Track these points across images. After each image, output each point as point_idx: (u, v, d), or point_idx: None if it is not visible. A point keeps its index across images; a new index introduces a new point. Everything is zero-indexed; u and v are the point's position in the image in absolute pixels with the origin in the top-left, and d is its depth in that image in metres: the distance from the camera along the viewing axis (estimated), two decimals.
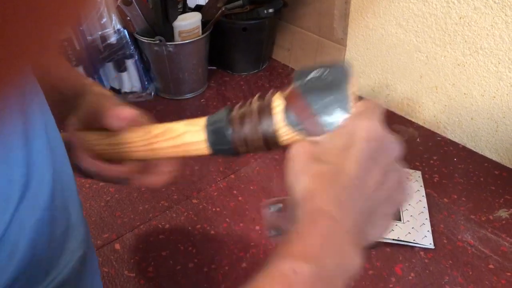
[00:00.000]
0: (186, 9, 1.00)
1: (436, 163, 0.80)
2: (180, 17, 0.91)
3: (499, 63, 0.73)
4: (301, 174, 0.33)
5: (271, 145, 0.35)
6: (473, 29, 0.74)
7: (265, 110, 0.34)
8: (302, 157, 0.33)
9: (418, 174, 0.77)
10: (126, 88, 0.99)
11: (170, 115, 0.95)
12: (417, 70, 0.84)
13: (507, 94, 0.74)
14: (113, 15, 0.90)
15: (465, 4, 0.73)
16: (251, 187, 0.76)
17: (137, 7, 0.89)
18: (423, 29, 0.80)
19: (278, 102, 0.34)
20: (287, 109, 0.33)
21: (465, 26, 0.74)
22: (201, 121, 0.37)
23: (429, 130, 0.87)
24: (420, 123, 0.89)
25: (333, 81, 0.33)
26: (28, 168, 0.30)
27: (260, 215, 0.71)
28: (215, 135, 0.36)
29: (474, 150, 0.82)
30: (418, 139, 0.85)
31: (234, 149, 0.36)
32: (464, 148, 0.83)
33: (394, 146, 0.33)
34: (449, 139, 0.85)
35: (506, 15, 0.69)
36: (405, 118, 0.91)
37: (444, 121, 0.85)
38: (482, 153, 0.81)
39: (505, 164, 0.79)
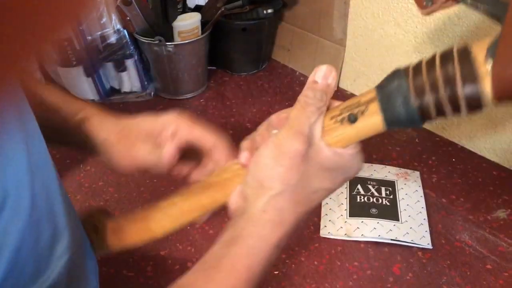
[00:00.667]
0: (185, 9, 1.00)
1: (435, 164, 0.80)
2: (180, 17, 0.91)
3: None
4: (283, 184, 0.35)
5: (474, 107, 0.31)
6: (472, 30, 0.74)
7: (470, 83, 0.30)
8: (295, 165, 0.35)
9: (416, 174, 0.77)
10: (126, 88, 0.99)
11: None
12: None
13: None
14: (112, 15, 0.90)
15: (463, 5, 0.73)
16: None
17: (137, 7, 0.89)
18: (422, 30, 0.80)
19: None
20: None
21: (463, 27, 0.75)
22: (370, 104, 0.35)
23: (428, 130, 0.88)
24: None
25: None
26: (4, 178, 0.30)
27: None
28: (396, 113, 0.33)
29: (473, 150, 0.82)
30: (416, 139, 0.86)
31: (422, 119, 0.33)
32: (462, 149, 0.83)
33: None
34: (448, 140, 0.85)
35: None
36: None
37: (443, 121, 0.85)
38: (480, 154, 0.82)
39: (503, 165, 0.79)
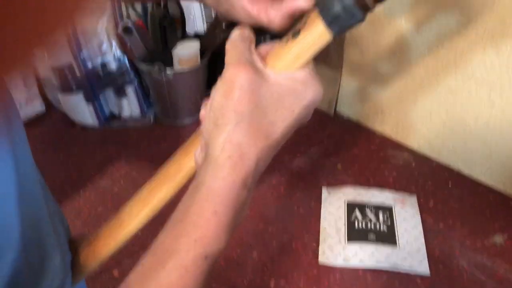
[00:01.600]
0: (185, 35, 1.02)
1: (431, 188, 0.81)
2: (179, 44, 0.93)
3: (490, 91, 0.75)
4: (237, 117, 0.34)
5: None
6: (464, 57, 0.76)
7: None
8: (245, 95, 0.34)
9: (413, 199, 0.78)
10: (126, 113, 1.00)
11: (168, 140, 0.96)
12: (411, 96, 0.86)
13: (499, 121, 0.75)
14: (113, 42, 0.92)
15: (457, 34, 0.75)
16: (248, 212, 0.77)
17: (137, 35, 0.91)
18: (417, 56, 0.82)
19: None
20: None
21: (456, 54, 0.76)
22: (310, 15, 0.35)
23: (424, 155, 0.89)
24: (415, 148, 0.90)
25: None
26: None
27: (258, 240, 0.72)
28: (333, 12, 0.34)
29: (469, 175, 0.83)
30: (413, 164, 0.87)
31: (362, 12, 0.34)
32: (458, 173, 0.84)
33: (310, 114, 0.38)
34: (444, 164, 0.86)
35: (496, 44, 0.71)
36: (400, 142, 0.92)
37: (438, 146, 0.86)
38: (476, 178, 0.82)
39: (499, 189, 0.80)
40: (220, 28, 0.96)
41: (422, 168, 0.85)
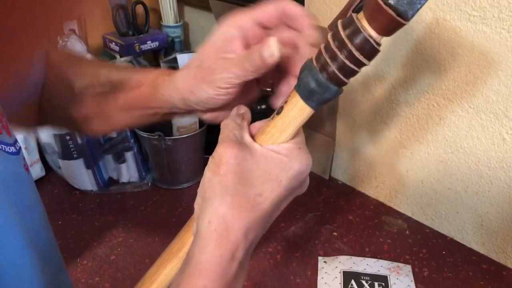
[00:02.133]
0: None
1: (426, 256, 0.82)
2: None
3: (478, 162, 0.78)
4: (222, 190, 0.35)
5: (372, 55, 0.36)
6: (453, 130, 0.79)
7: (356, 34, 0.35)
8: (230, 169, 0.36)
9: (408, 268, 0.79)
10: (124, 178, 1.02)
11: (166, 205, 0.98)
12: (403, 164, 0.89)
13: (488, 191, 0.78)
14: None
15: (443, 107, 0.79)
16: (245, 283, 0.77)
17: None
18: (407, 128, 0.85)
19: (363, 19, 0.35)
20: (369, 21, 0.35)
21: (445, 126, 0.80)
22: (290, 95, 0.38)
23: (418, 221, 0.90)
24: (409, 215, 0.92)
25: None
26: None
27: None
28: (311, 90, 0.37)
29: (462, 243, 0.85)
30: (407, 231, 0.88)
31: (338, 87, 0.37)
32: (452, 241, 0.85)
33: (306, 185, 0.41)
34: (438, 231, 0.88)
35: (481, 118, 0.75)
36: (394, 209, 0.94)
37: (431, 213, 0.88)
38: (469, 246, 0.84)
39: (492, 258, 0.81)
40: None
41: (416, 236, 0.87)
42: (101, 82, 0.49)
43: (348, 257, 0.81)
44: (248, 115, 0.41)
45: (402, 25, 0.34)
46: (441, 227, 0.88)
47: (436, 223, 0.88)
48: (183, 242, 0.44)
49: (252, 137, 0.39)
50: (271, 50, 0.37)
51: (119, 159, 1.00)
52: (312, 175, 0.79)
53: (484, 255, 0.82)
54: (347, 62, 0.35)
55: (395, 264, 0.79)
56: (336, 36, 0.36)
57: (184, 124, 0.96)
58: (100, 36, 1.18)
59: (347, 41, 0.35)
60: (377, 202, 0.96)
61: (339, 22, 0.37)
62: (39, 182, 1.03)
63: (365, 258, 0.80)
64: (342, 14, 0.39)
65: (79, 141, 0.95)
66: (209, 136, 1.05)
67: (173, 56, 1.14)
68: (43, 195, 1.01)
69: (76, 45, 0.99)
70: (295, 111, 0.38)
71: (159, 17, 1.23)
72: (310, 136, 1.05)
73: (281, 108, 0.39)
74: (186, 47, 1.29)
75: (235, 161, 0.36)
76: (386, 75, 0.84)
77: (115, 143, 0.98)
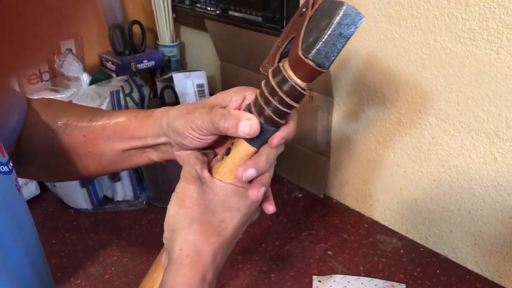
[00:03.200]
0: None
1: (420, 275, 0.82)
2: None
3: (471, 181, 0.78)
4: (189, 220, 0.40)
5: (300, 99, 0.42)
6: (445, 149, 0.80)
7: (284, 82, 0.41)
8: (194, 202, 0.41)
9: (402, 287, 0.79)
10: (119, 197, 1.02)
11: (160, 224, 0.97)
12: (396, 183, 0.90)
13: (481, 210, 0.78)
14: None
15: (436, 126, 0.80)
16: None
17: None
18: (400, 147, 0.86)
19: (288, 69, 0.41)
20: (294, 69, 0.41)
21: (437, 145, 0.81)
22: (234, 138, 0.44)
23: (412, 240, 0.90)
24: (403, 233, 0.92)
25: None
26: None
27: None
28: (255, 136, 0.42)
29: (456, 261, 0.85)
30: (401, 250, 0.88)
31: (276, 128, 0.43)
32: (446, 260, 0.86)
33: (259, 212, 0.46)
34: (432, 250, 0.88)
35: (472, 138, 0.76)
36: (388, 227, 0.94)
37: (425, 232, 0.88)
38: (463, 265, 0.84)
39: (486, 277, 0.81)
40: None
41: (411, 254, 0.87)
42: (89, 117, 0.52)
43: (343, 276, 0.81)
44: (211, 154, 0.46)
45: (321, 73, 0.40)
46: (435, 246, 0.88)
47: (430, 242, 0.88)
48: (154, 280, 0.47)
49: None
50: (249, 129, 0.42)
51: (114, 177, 1.00)
52: (307, 193, 0.81)
53: (478, 274, 0.82)
54: (280, 107, 0.41)
55: (390, 283, 0.79)
56: (267, 84, 0.42)
57: None
58: (96, 55, 1.19)
59: (277, 88, 0.41)
60: (372, 220, 0.96)
61: (270, 71, 0.42)
62: (34, 200, 1.03)
63: (360, 277, 0.80)
64: (271, 57, 0.45)
65: None
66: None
67: (169, 75, 1.15)
68: (38, 214, 1.02)
69: (73, 65, 1.00)
70: (241, 152, 0.43)
71: (156, 37, 1.25)
72: (304, 155, 1.06)
73: (229, 149, 0.44)
74: (182, 66, 1.30)
75: (198, 195, 0.40)
76: (379, 95, 0.85)
77: None
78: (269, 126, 0.42)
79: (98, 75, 1.07)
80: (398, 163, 0.88)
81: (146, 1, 1.24)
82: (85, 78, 1.01)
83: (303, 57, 0.38)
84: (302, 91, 0.41)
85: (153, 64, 1.18)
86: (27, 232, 0.42)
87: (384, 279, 0.80)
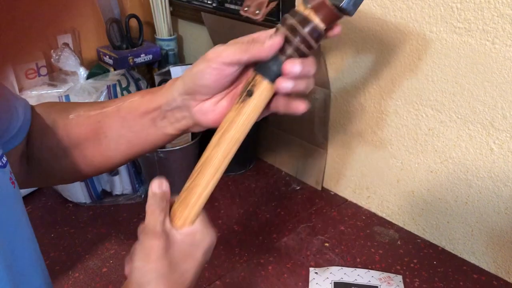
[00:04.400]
0: None
1: (417, 267, 0.82)
2: None
3: (467, 172, 0.78)
4: (156, 276, 0.42)
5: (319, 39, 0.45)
6: (442, 140, 0.80)
7: (306, 23, 0.44)
8: (160, 257, 0.43)
9: (399, 278, 0.79)
10: (117, 190, 1.03)
11: None
12: (393, 175, 0.89)
13: (477, 201, 0.78)
14: None
15: (432, 117, 0.80)
16: None
17: None
18: (397, 138, 0.86)
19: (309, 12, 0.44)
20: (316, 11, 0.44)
21: (434, 137, 0.81)
22: (255, 78, 0.46)
23: (409, 232, 0.90)
24: (400, 225, 0.92)
25: None
26: None
27: None
28: (273, 73, 0.45)
29: (453, 252, 0.85)
30: (398, 242, 0.88)
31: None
32: (443, 251, 0.86)
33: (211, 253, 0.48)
34: (429, 241, 0.88)
35: (469, 129, 0.75)
36: (385, 219, 0.94)
37: (422, 223, 0.88)
38: (460, 256, 0.84)
39: (483, 268, 0.81)
40: None
41: (408, 246, 0.87)
42: (101, 105, 0.53)
43: (339, 268, 0.81)
44: (168, 193, 0.48)
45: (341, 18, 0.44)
46: (432, 237, 0.88)
47: (427, 233, 0.88)
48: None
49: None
50: (278, 42, 0.44)
51: (112, 171, 1.00)
52: (304, 186, 0.80)
53: (475, 265, 0.82)
54: (302, 46, 0.44)
55: (386, 274, 0.80)
56: (287, 25, 0.44)
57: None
58: (94, 49, 1.19)
59: (299, 29, 0.43)
60: (369, 212, 0.96)
61: (289, 14, 0.45)
62: (33, 194, 1.03)
63: (356, 269, 0.81)
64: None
65: None
66: (201, 149, 1.05)
67: (166, 68, 1.15)
68: (37, 208, 1.02)
69: (70, 59, 1.00)
70: (263, 90, 0.45)
71: (153, 30, 1.25)
72: (302, 147, 1.06)
73: (251, 91, 0.45)
74: (180, 59, 1.30)
75: (163, 250, 0.43)
76: (375, 86, 0.85)
77: None
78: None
79: (95, 69, 1.07)
80: (395, 155, 0.88)
81: None
82: (82, 72, 1.01)
83: (328, 3, 0.42)
84: (323, 32, 0.44)
85: (151, 58, 1.18)
86: (22, 225, 0.43)
87: (381, 271, 0.81)
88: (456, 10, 0.70)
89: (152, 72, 1.23)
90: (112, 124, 0.52)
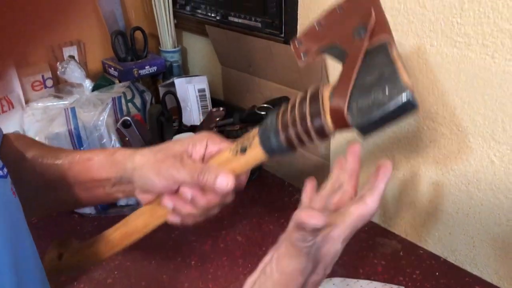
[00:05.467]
0: (181, 127, 1.08)
1: (419, 278, 0.82)
2: (175, 137, 0.98)
3: (469, 183, 0.79)
4: None
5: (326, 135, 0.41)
6: (443, 152, 0.81)
7: (317, 116, 0.40)
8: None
9: None
10: (122, 201, 1.04)
11: (163, 227, 0.99)
12: (395, 186, 0.90)
13: (479, 212, 0.79)
14: (112, 136, 0.97)
15: (433, 130, 0.80)
16: None
17: (135, 129, 0.96)
18: (398, 150, 0.87)
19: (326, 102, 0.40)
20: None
21: (435, 149, 0.81)
22: (254, 138, 0.45)
23: (412, 242, 0.91)
24: (403, 236, 0.93)
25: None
26: None
27: None
28: (270, 144, 0.43)
29: (455, 264, 0.85)
30: (401, 253, 0.89)
31: (289, 148, 0.43)
32: (445, 262, 0.86)
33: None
34: (431, 252, 0.88)
35: (469, 141, 0.76)
36: (388, 230, 0.95)
37: (425, 234, 0.89)
38: (463, 267, 0.84)
39: (485, 279, 0.81)
40: (214, 121, 1.02)
41: (410, 257, 0.87)
42: (56, 155, 0.53)
43: (342, 279, 0.81)
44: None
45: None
46: (434, 248, 0.88)
47: (430, 244, 0.89)
48: (145, 223, 0.56)
49: None
50: (226, 183, 0.45)
51: None
52: None
53: (478, 277, 0.82)
54: (302, 135, 0.42)
55: (389, 285, 0.80)
56: (301, 106, 0.41)
57: None
58: (99, 61, 1.21)
59: (308, 119, 0.40)
60: (371, 223, 0.97)
61: (308, 95, 0.42)
62: None
63: (359, 280, 0.81)
64: (307, 38, 0.45)
65: None
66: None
67: (171, 80, 1.17)
68: (42, 218, 1.03)
69: (75, 71, 1.01)
70: (254, 155, 0.46)
71: (158, 42, 1.26)
72: (305, 158, 1.06)
73: (245, 148, 0.46)
74: (184, 71, 1.32)
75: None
76: None
77: None
78: (285, 143, 0.42)
79: (101, 81, 1.09)
80: (397, 166, 0.88)
81: (147, 7, 1.26)
82: (88, 84, 1.03)
83: (347, 117, 0.37)
84: (329, 135, 0.41)
85: (155, 69, 1.20)
86: (23, 236, 0.43)
87: (383, 282, 0.81)
88: (456, 24, 0.71)
89: (157, 84, 1.24)
90: (63, 180, 0.53)
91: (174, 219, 0.51)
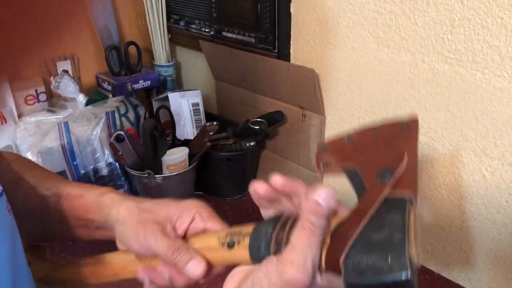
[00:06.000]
0: (175, 141, 1.08)
1: None
2: (169, 151, 0.98)
3: (461, 198, 0.79)
4: None
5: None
6: (435, 167, 0.81)
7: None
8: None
9: None
10: None
11: None
12: None
13: (471, 227, 0.79)
14: (106, 150, 0.97)
15: (425, 145, 0.81)
16: None
17: (129, 143, 0.96)
18: None
19: None
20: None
21: (427, 163, 0.82)
22: (245, 239, 0.42)
23: None
24: None
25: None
26: None
27: None
28: (259, 254, 0.40)
29: (449, 278, 0.85)
30: None
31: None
32: (439, 277, 0.86)
33: None
34: (425, 267, 0.88)
35: (461, 156, 0.77)
36: None
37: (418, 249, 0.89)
38: (456, 282, 0.84)
39: None
40: (208, 136, 1.02)
41: None
42: (47, 186, 0.53)
43: None
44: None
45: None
46: (428, 262, 0.88)
47: (424, 259, 0.89)
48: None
49: None
50: (195, 270, 0.43)
51: None
52: None
53: None
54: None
55: None
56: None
57: (173, 162, 0.97)
58: (93, 76, 1.21)
59: None
60: None
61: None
62: None
63: None
64: (333, 151, 0.42)
65: (70, 179, 0.96)
66: (198, 174, 1.06)
67: (164, 94, 1.17)
68: None
69: (69, 86, 1.01)
70: (239, 255, 0.42)
71: (152, 57, 1.27)
72: (298, 172, 1.07)
73: (233, 243, 0.43)
74: (178, 85, 1.32)
75: None
76: (369, 113, 0.87)
77: (106, 181, 0.99)
78: (272, 255, 0.39)
79: (94, 96, 1.09)
80: None
81: (142, 22, 1.26)
82: (81, 98, 1.03)
83: (341, 267, 0.34)
84: (319, 269, 0.36)
85: (149, 84, 1.20)
86: (18, 254, 0.43)
87: None
88: (447, 41, 0.72)
89: (151, 98, 1.24)
90: (51, 215, 0.52)
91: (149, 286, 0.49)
